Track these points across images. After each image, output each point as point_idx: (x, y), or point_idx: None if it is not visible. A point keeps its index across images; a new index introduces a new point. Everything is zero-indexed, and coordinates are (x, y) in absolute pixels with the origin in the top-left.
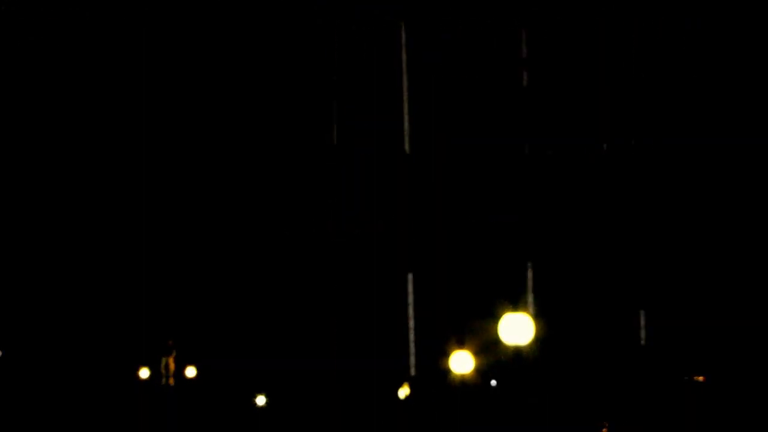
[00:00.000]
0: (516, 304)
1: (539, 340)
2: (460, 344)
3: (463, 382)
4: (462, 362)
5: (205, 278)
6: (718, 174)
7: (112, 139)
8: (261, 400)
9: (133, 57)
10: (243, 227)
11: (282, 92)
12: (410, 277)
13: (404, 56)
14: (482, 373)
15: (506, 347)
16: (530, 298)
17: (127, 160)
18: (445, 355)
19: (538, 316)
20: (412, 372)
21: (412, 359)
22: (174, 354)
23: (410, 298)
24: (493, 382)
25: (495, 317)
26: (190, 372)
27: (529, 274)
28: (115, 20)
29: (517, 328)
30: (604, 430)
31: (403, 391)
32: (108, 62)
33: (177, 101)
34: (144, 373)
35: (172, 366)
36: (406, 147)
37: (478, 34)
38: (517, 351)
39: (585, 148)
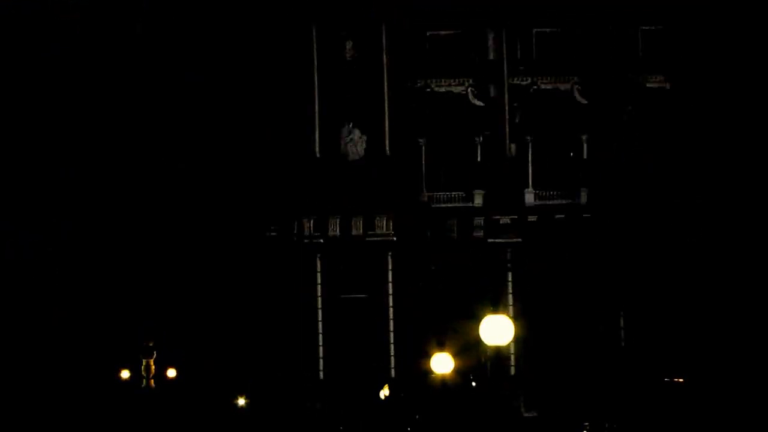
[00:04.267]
0: (496, 306)
1: (519, 341)
2: (441, 346)
3: (444, 383)
4: (442, 363)
5: (186, 279)
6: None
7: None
8: (241, 401)
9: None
10: (223, 230)
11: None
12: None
13: (385, 59)
14: (462, 373)
15: (486, 348)
16: (510, 299)
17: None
18: (426, 356)
19: (518, 318)
20: (393, 373)
21: (393, 361)
22: (154, 355)
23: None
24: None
25: (475, 319)
26: (171, 373)
27: (509, 276)
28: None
29: (497, 330)
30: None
31: (384, 392)
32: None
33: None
34: (125, 374)
35: (152, 367)
36: (387, 150)
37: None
38: (498, 352)
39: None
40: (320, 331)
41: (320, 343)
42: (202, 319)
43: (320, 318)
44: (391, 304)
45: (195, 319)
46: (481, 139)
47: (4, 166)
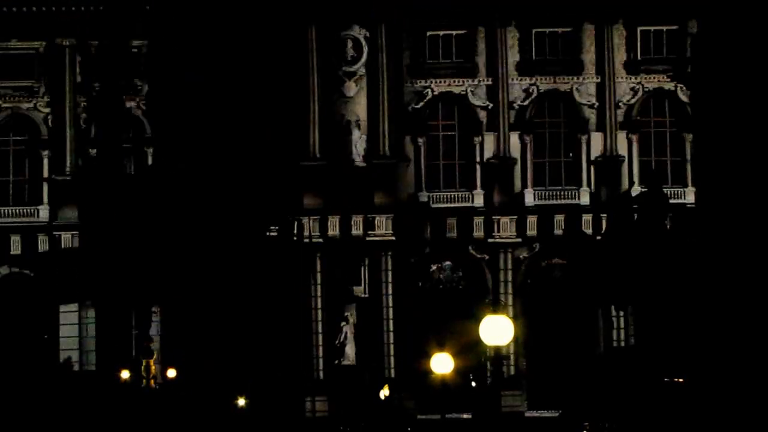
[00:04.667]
0: (496, 306)
1: (519, 341)
2: (441, 346)
3: (444, 383)
4: (442, 363)
5: (185, 279)
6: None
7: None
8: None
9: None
10: (223, 229)
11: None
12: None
13: (384, 59)
14: (462, 374)
15: (486, 348)
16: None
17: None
18: (426, 356)
19: (517, 318)
20: (393, 374)
21: (392, 361)
22: (154, 356)
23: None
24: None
25: (475, 319)
26: (171, 373)
27: (509, 276)
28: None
29: (497, 330)
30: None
31: (384, 392)
32: None
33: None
34: (124, 374)
35: (152, 368)
36: (387, 150)
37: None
38: (497, 352)
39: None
40: (319, 330)
41: (319, 343)
42: (202, 319)
43: (319, 318)
44: (390, 304)
45: (195, 319)
46: (481, 138)
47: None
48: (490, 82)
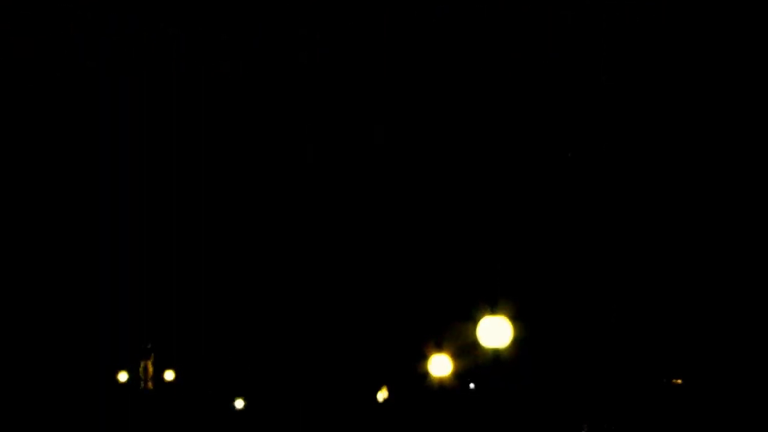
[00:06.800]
0: (494, 307)
1: (518, 342)
2: (439, 347)
3: (442, 385)
4: (440, 365)
5: (185, 282)
6: (684, 178)
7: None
8: (239, 404)
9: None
10: (222, 233)
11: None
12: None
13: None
14: (461, 376)
15: (485, 350)
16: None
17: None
18: (424, 358)
19: (515, 319)
20: (390, 376)
21: (390, 363)
22: (153, 357)
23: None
24: (472, 385)
25: (473, 320)
26: (169, 375)
27: (508, 276)
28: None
29: (495, 331)
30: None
31: (382, 395)
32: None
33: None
34: (122, 376)
35: (150, 369)
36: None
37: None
38: (496, 354)
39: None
40: (314, 333)
41: (316, 345)
42: (201, 320)
43: (317, 319)
44: (389, 304)
45: (193, 320)
46: None
47: None
48: None
